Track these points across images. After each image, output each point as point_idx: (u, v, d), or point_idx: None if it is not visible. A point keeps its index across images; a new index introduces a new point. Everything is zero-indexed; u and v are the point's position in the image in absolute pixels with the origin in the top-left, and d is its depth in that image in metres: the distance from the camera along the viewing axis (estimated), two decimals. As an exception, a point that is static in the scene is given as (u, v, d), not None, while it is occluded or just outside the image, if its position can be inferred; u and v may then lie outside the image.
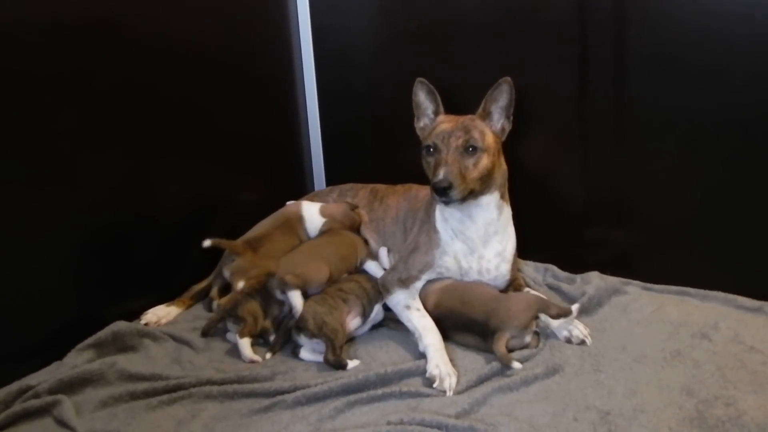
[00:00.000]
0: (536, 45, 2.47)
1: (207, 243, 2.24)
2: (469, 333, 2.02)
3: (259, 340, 2.12)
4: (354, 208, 2.52)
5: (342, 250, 2.32)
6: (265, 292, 2.13)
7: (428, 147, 2.09)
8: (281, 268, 2.15)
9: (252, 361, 2.02)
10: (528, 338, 1.98)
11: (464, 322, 2.03)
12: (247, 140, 2.78)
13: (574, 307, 2.03)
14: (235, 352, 2.06)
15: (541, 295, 2.20)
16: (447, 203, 2.03)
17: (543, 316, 2.03)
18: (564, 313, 2.01)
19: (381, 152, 2.94)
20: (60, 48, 2.04)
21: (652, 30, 2.27)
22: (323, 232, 2.43)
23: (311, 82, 3.00)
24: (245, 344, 2.04)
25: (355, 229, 2.50)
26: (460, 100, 2.21)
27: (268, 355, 2.06)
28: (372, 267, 2.34)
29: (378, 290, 2.21)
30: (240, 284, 2.19)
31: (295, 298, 2.04)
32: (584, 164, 2.54)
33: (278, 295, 2.09)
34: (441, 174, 1.97)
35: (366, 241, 2.46)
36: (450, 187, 1.96)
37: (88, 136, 2.14)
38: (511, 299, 2.05)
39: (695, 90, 2.25)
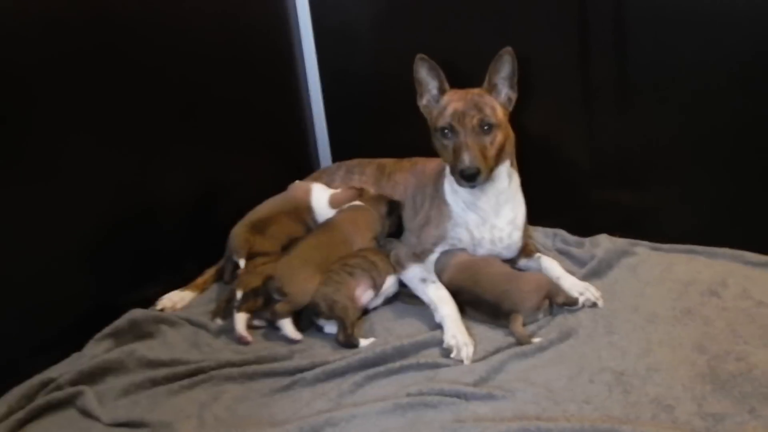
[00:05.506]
0: (536, 10, 2.45)
1: (242, 262, 2.25)
2: (479, 311, 2.04)
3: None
4: (361, 193, 2.52)
5: (336, 249, 2.26)
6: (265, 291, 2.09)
7: (443, 129, 2.06)
8: (278, 270, 2.09)
9: (241, 337, 2.02)
10: (540, 315, 1.99)
11: (475, 300, 2.04)
12: (252, 120, 2.77)
13: (581, 299, 2.03)
14: (251, 333, 2.06)
15: (556, 267, 2.19)
16: (474, 187, 2.04)
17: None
18: (570, 303, 2.02)
19: (386, 125, 2.91)
20: (58, 36, 2.02)
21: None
22: (320, 226, 2.39)
23: (311, 57, 2.98)
24: (240, 318, 2.04)
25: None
26: (462, 70, 2.19)
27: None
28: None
29: (388, 261, 2.21)
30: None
31: (287, 328, 2.01)
32: (588, 127, 2.53)
33: (276, 296, 2.05)
34: (467, 160, 1.97)
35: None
36: (478, 172, 1.97)
37: (93, 124, 2.13)
38: (522, 280, 2.05)
39: (695, 47, 2.23)
